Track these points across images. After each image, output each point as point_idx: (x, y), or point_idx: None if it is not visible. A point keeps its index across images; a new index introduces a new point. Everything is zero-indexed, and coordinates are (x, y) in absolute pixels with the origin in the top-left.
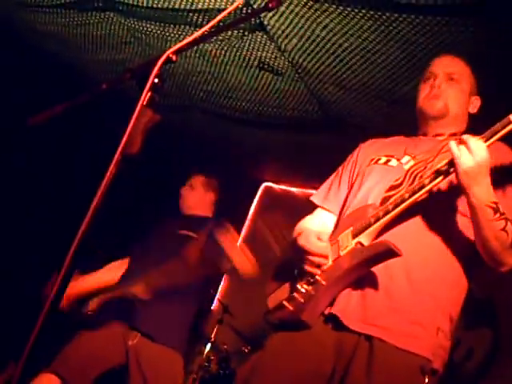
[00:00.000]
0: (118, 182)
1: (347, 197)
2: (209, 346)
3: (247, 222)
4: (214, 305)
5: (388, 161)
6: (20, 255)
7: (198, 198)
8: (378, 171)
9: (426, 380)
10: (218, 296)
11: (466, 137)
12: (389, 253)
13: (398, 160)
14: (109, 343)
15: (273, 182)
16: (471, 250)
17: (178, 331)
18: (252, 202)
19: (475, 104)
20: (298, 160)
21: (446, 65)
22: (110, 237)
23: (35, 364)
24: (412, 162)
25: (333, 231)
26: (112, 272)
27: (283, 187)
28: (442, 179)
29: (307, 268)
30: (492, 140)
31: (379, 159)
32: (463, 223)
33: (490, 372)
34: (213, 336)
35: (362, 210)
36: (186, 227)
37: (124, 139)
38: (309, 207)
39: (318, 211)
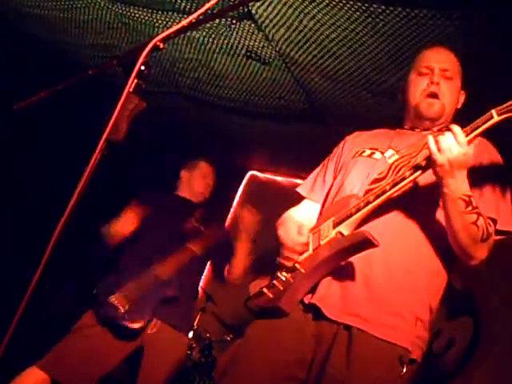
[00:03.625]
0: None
1: (331, 187)
2: (191, 333)
3: (232, 210)
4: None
5: (372, 153)
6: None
7: (209, 188)
8: (362, 163)
9: (404, 369)
10: (201, 284)
11: (446, 131)
12: (367, 243)
13: (382, 153)
14: (114, 339)
15: (258, 170)
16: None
17: (190, 317)
18: (237, 189)
19: (461, 99)
20: (284, 149)
21: (442, 60)
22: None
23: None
24: (396, 156)
25: (316, 220)
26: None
27: (268, 176)
28: (422, 173)
29: (283, 260)
30: (473, 135)
31: (363, 151)
32: (442, 215)
33: (469, 362)
34: (195, 324)
35: (344, 200)
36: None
37: (109, 125)
38: (293, 196)
39: (303, 202)
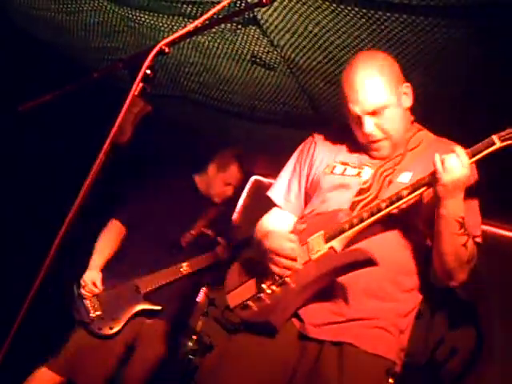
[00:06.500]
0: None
1: (306, 197)
2: (193, 338)
3: (235, 215)
4: (200, 297)
5: (345, 170)
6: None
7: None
8: (337, 181)
9: (391, 381)
10: (204, 288)
11: (457, 150)
12: (367, 262)
13: (355, 167)
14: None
15: (262, 175)
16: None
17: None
18: (240, 194)
19: (408, 99)
20: (288, 154)
21: (365, 101)
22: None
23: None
24: (372, 171)
25: (300, 233)
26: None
27: (272, 181)
28: (423, 191)
29: (275, 270)
30: (474, 159)
31: (334, 167)
32: (428, 236)
33: (472, 372)
34: (198, 328)
35: (331, 213)
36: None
37: (114, 128)
38: None
39: (278, 211)
